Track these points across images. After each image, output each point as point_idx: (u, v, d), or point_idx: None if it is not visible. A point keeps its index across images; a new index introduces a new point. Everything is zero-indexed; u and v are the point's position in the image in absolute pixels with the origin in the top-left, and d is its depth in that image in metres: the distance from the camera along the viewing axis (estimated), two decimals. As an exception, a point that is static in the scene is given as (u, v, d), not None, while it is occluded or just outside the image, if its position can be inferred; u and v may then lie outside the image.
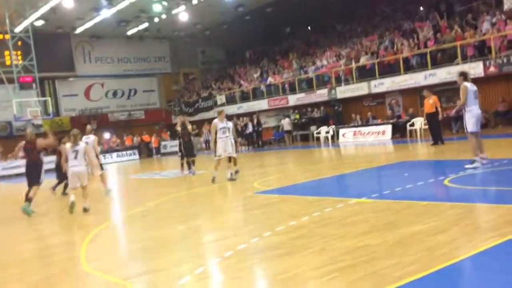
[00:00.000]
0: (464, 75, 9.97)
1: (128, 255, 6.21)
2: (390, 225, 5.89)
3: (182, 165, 16.36)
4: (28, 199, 10.63)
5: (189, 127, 16.69)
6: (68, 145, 10.20)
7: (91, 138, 12.87)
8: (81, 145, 10.16)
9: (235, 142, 13.14)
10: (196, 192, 11.64)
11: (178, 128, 16.21)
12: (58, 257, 6.44)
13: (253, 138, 28.12)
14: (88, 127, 13.30)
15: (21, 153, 11.60)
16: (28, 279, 5.48)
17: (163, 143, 33.42)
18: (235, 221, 7.73)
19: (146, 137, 33.68)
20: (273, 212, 7.84)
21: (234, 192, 11.12)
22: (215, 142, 12.50)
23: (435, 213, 6.24)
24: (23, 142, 10.94)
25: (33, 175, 10.77)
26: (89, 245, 6.85)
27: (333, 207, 7.38)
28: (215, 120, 12.64)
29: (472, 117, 9.57)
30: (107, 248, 6.70)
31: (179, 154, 16.58)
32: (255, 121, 27.84)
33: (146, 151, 33.33)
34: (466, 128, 9.69)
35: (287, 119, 27.62)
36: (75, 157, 9.95)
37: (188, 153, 15.94)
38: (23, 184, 11.87)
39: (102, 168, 13.33)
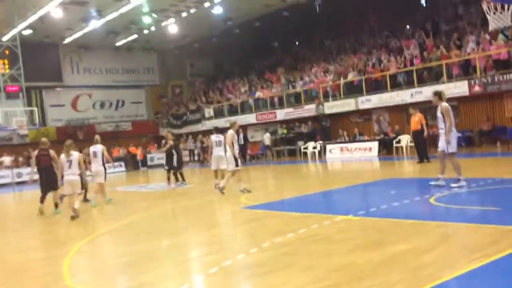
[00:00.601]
0: (439, 95, 9.90)
1: (112, 270, 6.13)
2: (376, 243, 5.91)
3: (168, 178, 16.38)
4: (55, 205, 11.78)
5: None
6: (62, 156, 10.73)
7: (99, 147, 13.00)
8: (75, 155, 10.79)
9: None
10: (183, 206, 11.58)
11: (171, 142, 16.29)
12: (41, 271, 6.34)
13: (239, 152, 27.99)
14: (96, 136, 13.52)
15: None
16: (10, 294, 5.38)
17: (149, 155, 33.23)
18: (221, 236, 7.69)
19: (133, 149, 33.48)
20: (259, 227, 7.82)
21: (221, 207, 11.08)
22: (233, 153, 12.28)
23: (421, 232, 6.28)
24: (37, 151, 11.77)
25: (49, 181, 11.61)
26: (73, 259, 6.76)
27: (319, 223, 7.38)
28: (231, 131, 12.38)
29: (454, 137, 9.58)
30: (91, 262, 6.62)
31: (166, 167, 16.59)
32: (240, 135, 27.76)
33: (132, 163, 33.11)
34: (447, 149, 9.52)
35: (267, 134, 27.75)
36: (69, 167, 10.63)
37: (179, 166, 16.28)
38: (8, 194, 11.71)
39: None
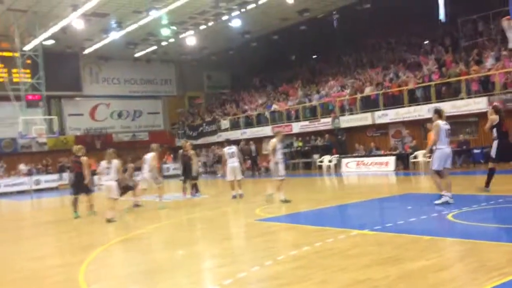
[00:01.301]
0: (438, 113, 10.21)
1: (127, 279, 6.15)
2: (392, 259, 5.84)
3: (184, 188, 16.43)
4: (90, 207, 13.10)
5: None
6: (103, 162, 11.72)
7: (149, 155, 13.95)
8: (114, 162, 11.64)
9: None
10: (198, 217, 11.59)
11: (192, 151, 16.43)
12: (57, 278, 6.39)
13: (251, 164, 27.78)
14: (153, 145, 14.62)
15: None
16: (26, 300, 5.43)
17: (165, 165, 33.38)
18: (235, 248, 7.67)
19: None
20: (274, 240, 7.79)
21: (236, 219, 11.07)
22: (276, 162, 12.35)
23: (438, 248, 6.20)
24: (72, 157, 12.94)
25: (81, 185, 12.70)
26: (89, 267, 6.79)
27: (335, 238, 7.33)
28: (274, 140, 12.38)
29: (440, 156, 9.83)
30: (106, 271, 6.65)
31: (182, 177, 16.64)
32: (252, 147, 27.74)
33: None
34: (432, 165, 9.89)
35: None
36: (108, 173, 11.50)
37: (195, 176, 16.56)
38: (24, 202, 11.93)
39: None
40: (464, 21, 24.55)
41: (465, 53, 22.20)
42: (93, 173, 14.21)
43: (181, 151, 17.07)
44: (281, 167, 12.31)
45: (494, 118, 10.83)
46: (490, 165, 11.35)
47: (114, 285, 5.86)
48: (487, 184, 11.04)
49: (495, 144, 10.97)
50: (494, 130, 10.91)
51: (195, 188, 16.61)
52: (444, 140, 9.88)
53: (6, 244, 9.81)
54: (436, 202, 9.75)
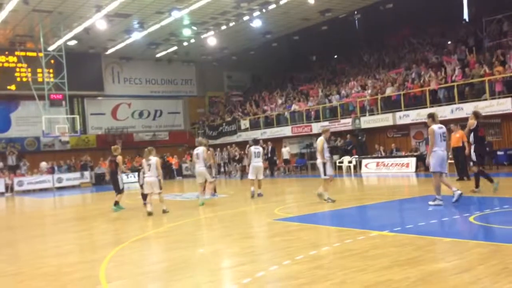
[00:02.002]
0: (432, 117, 10.58)
1: (147, 276, 6.20)
2: (412, 260, 5.78)
3: (204, 188, 16.51)
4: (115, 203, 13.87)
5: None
6: (144, 160, 12.33)
7: (200, 149, 14.09)
8: (153, 159, 12.21)
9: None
10: (217, 216, 11.64)
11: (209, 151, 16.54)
12: (78, 275, 6.49)
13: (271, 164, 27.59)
14: (201, 139, 15.34)
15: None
16: (48, 295, 5.52)
17: (184, 165, 33.61)
18: (254, 247, 7.68)
19: (169, 158, 33.94)
20: (293, 240, 7.78)
21: (254, 218, 11.08)
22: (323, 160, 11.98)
23: (459, 251, 6.11)
24: (110, 156, 13.97)
25: (113, 184, 13.89)
26: (109, 264, 6.88)
27: (354, 238, 7.28)
28: (322, 138, 12.03)
29: (436, 158, 10.09)
30: (126, 268, 6.72)
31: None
32: (269, 147, 27.66)
33: (168, 172, 33.53)
34: (433, 168, 10.19)
35: (287, 148, 27.72)
36: (149, 169, 12.10)
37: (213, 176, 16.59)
38: (47, 199, 12.17)
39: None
40: (488, 21, 24.16)
41: (489, 54, 21.84)
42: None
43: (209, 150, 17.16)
44: (328, 166, 11.95)
45: (471, 123, 11.70)
46: (474, 169, 12.18)
47: (134, 282, 5.93)
48: (477, 185, 11.85)
49: (472, 148, 11.92)
50: (472, 134, 11.84)
51: (213, 188, 16.67)
52: (440, 143, 10.17)
53: (29, 241, 9.99)
54: (430, 203, 10.20)
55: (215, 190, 16.72)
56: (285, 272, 5.72)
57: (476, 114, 11.81)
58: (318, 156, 12.03)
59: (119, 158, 13.87)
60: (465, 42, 24.52)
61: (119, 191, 13.98)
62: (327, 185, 12.21)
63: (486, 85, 19.72)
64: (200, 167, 13.90)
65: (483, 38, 24.06)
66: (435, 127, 10.30)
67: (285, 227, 9.13)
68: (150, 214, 11.91)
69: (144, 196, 13.01)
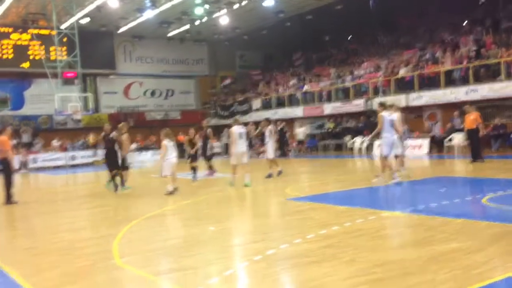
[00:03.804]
0: (383, 105, 11.56)
1: (158, 252, 6.28)
2: (424, 240, 5.77)
3: (210, 167, 16.70)
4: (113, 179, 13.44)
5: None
6: (166, 141, 12.24)
7: (244, 129, 13.37)
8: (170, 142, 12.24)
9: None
10: (228, 195, 11.69)
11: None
12: (92, 249, 6.59)
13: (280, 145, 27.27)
14: (237, 118, 15.21)
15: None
16: (63, 269, 5.62)
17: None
18: (265, 226, 7.72)
19: (181, 138, 34.03)
20: (304, 219, 7.80)
21: (266, 197, 11.11)
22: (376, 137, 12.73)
23: (471, 231, 6.09)
24: (103, 134, 13.47)
25: (112, 162, 13.20)
26: (122, 240, 6.97)
27: (365, 218, 7.29)
28: (398, 114, 11.94)
29: (385, 143, 11.25)
30: (138, 244, 6.81)
31: (204, 156, 16.86)
32: (278, 127, 27.44)
33: (179, 151, 33.65)
34: (382, 152, 11.38)
35: (302, 129, 27.56)
36: (172, 150, 12.22)
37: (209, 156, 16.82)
38: (60, 177, 12.33)
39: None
40: (506, 0, 23.65)
41: (506, 35, 21.42)
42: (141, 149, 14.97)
43: (209, 130, 17.19)
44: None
45: None
46: None
47: (146, 257, 6.00)
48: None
49: None
50: None
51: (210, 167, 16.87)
52: (388, 129, 11.16)
53: (43, 216, 10.15)
54: (373, 180, 11.45)
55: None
56: (296, 250, 5.75)
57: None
58: (397, 132, 11.58)
59: (125, 136, 13.35)
60: (482, 23, 24.05)
61: (117, 167, 13.42)
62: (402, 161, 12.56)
63: (501, 66, 19.39)
64: (242, 148, 12.95)
65: (500, 19, 23.58)
66: (385, 114, 11.24)
67: (296, 206, 9.16)
68: (172, 192, 11.89)
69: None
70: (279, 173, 14.58)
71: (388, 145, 11.31)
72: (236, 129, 12.90)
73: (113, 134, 13.23)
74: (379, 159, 11.84)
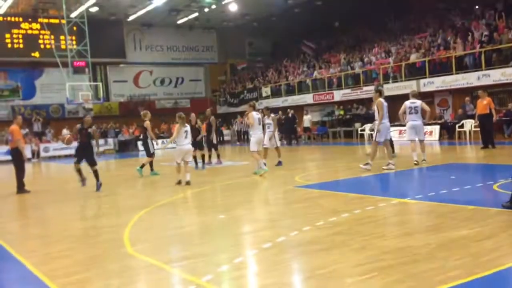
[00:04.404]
0: (379, 92, 11.86)
1: (169, 240, 6.34)
2: (434, 227, 5.76)
3: (209, 156, 16.63)
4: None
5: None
6: (178, 126, 11.40)
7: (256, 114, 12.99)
8: (188, 126, 11.59)
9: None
10: (237, 183, 11.73)
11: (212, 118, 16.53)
12: (103, 238, 6.67)
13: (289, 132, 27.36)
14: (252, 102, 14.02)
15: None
16: (75, 257, 5.70)
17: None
18: (275, 214, 7.75)
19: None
20: (313, 206, 7.82)
21: (275, 185, 11.13)
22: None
23: (481, 218, 6.06)
24: (79, 126, 12.05)
25: (87, 155, 12.01)
26: (133, 228, 7.04)
27: (375, 205, 7.28)
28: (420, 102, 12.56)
29: (384, 128, 11.44)
30: (149, 232, 6.87)
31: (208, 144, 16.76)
32: (289, 114, 27.33)
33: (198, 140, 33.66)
34: (378, 138, 11.51)
35: (308, 116, 27.46)
36: (186, 137, 11.36)
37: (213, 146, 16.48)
38: (72, 165, 12.43)
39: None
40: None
41: (519, 18, 21.09)
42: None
43: (212, 118, 16.99)
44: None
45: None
46: None
47: (156, 245, 6.06)
48: None
49: None
50: None
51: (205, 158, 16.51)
52: (386, 115, 11.48)
53: (56, 205, 10.26)
54: (361, 166, 11.65)
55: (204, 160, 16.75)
56: (305, 238, 5.77)
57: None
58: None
59: (147, 123, 13.88)
60: (494, 7, 23.67)
61: (150, 155, 14.20)
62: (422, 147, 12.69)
63: (515, 51, 19.14)
64: (261, 133, 12.68)
65: (513, 2, 23.20)
66: (382, 100, 11.46)
67: (305, 194, 9.17)
68: (188, 183, 11.25)
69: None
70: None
71: (385, 132, 11.56)
72: (255, 115, 12.49)
73: (92, 128, 11.94)
74: (374, 144, 11.82)
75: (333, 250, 5.15)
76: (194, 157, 14.97)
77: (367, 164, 11.56)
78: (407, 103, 12.55)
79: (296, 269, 4.90)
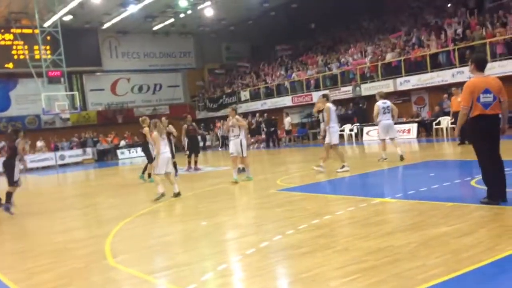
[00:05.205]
0: (326, 97, 12.19)
1: (151, 250, 6.28)
2: (414, 226, 5.83)
3: (189, 162, 16.63)
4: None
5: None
6: (155, 133, 10.55)
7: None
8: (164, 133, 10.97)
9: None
10: (219, 189, 11.69)
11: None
12: (84, 250, 6.57)
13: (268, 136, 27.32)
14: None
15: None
16: (56, 271, 5.60)
17: (186, 139, 33.60)
18: (257, 218, 7.74)
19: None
20: (295, 210, 7.83)
21: (257, 189, 11.13)
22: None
23: (461, 214, 6.15)
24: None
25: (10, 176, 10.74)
26: (114, 239, 6.95)
27: (356, 206, 7.33)
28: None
29: (334, 132, 11.81)
30: (131, 242, 6.80)
31: (187, 152, 16.77)
32: (260, 119, 27.31)
33: (169, 146, 33.53)
34: (331, 141, 11.78)
35: (288, 119, 27.65)
36: (165, 144, 10.71)
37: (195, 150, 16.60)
38: (50, 177, 12.19)
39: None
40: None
41: (490, 15, 21.51)
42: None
43: (185, 125, 16.94)
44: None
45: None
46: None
47: (139, 256, 6.00)
48: None
49: None
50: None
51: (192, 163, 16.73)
52: (335, 119, 11.87)
53: (35, 218, 10.08)
54: (338, 170, 11.69)
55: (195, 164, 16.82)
56: (289, 242, 5.78)
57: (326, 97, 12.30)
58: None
59: (146, 130, 13.05)
60: (465, 4, 24.12)
61: (151, 161, 13.62)
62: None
63: (487, 47, 19.50)
64: (235, 136, 12.01)
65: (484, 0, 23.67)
66: (330, 104, 11.84)
67: (288, 197, 9.19)
68: (161, 196, 10.33)
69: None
70: (242, 170, 12.87)
71: (336, 134, 11.86)
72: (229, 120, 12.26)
73: (17, 141, 10.82)
74: (325, 147, 12.06)
75: (317, 253, 5.17)
76: (174, 163, 14.59)
77: (343, 167, 11.79)
78: (380, 104, 13.10)
79: (280, 274, 4.90)
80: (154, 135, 10.58)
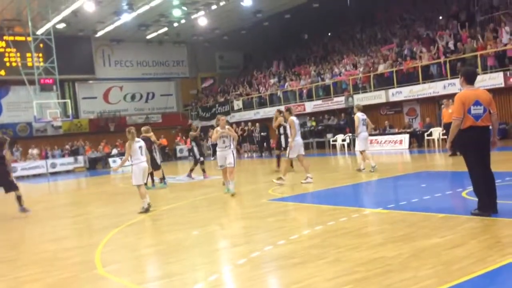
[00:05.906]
0: (289, 110, 12.40)
1: (142, 259, 6.24)
2: (406, 237, 5.83)
3: (203, 170, 16.52)
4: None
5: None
6: (128, 141, 10.26)
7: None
8: (141, 141, 10.62)
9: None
10: (211, 198, 11.65)
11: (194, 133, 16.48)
12: (74, 259, 6.51)
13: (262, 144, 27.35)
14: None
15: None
16: (45, 281, 5.54)
17: (178, 147, 33.59)
18: (249, 228, 7.71)
19: (163, 141, 33.85)
20: (287, 220, 7.83)
21: (249, 199, 11.10)
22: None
23: (452, 226, 6.16)
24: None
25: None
26: (104, 249, 6.90)
27: (348, 217, 7.33)
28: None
29: (296, 146, 11.87)
30: (121, 252, 6.75)
31: (196, 158, 16.64)
32: (251, 127, 27.28)
33: (162, 155, 33.46)
34: (291, 154, 11.92)
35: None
36: (141, 153, 10.27)
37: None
38: (41, 185, 12.11)
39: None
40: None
41: (481, 28, 21.77)
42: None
43: (192, 133, 16.90)
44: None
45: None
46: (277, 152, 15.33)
47: (129, 265, 5.96)
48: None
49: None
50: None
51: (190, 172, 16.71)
52: (298, 132, 12.02)
53: (25, 227, 10.00)
54: (302, 181, 11.91)
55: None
56: (280, 252, 5.76)
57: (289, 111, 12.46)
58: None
59: (153, 136, 14.17)
60: (457, 17, 24.40)
61: (157, 167, 14.34)
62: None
63: (478, 60, 19.70)
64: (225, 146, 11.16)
65: (475, 12, 23.95)
66: (293, 118, 11.98)
67: (279, 207, 9.17)
68: (147, 209, 9.90)
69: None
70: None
71: (297, 148, 11.93)
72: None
73: (4, 152, 10.78)
74: (286, 160, 12.48)
75: (308, 263, 5.15)
76: (151, 174, 14.22)
77: (280, 178, 12.04)
78: (360, 116, 13.49)
79: (271, 285, 4.88)
80: (128, 142, 10.15)
